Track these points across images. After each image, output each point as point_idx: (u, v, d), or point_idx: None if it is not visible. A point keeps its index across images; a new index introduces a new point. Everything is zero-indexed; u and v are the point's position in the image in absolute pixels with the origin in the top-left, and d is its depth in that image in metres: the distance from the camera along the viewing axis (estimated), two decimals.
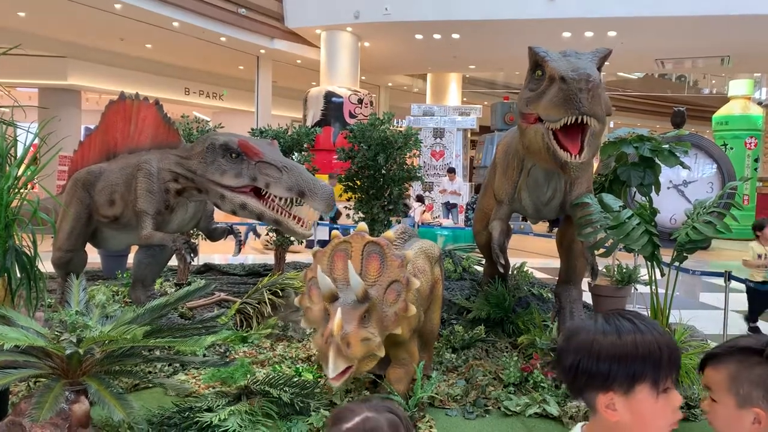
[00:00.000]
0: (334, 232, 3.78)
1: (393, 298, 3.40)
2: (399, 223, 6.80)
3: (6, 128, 3.51)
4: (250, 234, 11.59)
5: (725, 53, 17.07)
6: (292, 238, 7.24)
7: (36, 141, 3.91)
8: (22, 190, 3.44)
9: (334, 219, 11.55)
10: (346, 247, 3.59)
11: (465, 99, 24.78)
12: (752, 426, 1.43)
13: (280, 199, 4.15)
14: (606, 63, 4.17)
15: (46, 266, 3.68)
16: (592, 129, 3.77)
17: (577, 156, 3.79)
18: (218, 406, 3.46)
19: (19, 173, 3.41)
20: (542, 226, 15.51)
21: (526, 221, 13.03)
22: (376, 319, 3.31)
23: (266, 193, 4.18)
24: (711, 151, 14.47)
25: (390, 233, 3.74)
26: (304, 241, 8.05)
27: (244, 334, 5.03)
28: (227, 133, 4.68)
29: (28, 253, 3.40)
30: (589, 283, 5.21)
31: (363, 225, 3.76)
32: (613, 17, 14.47)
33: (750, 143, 18.12)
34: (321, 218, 7.89)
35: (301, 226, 4.20)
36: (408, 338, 3.67)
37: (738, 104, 18.79)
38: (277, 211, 4.18)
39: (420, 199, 13.75)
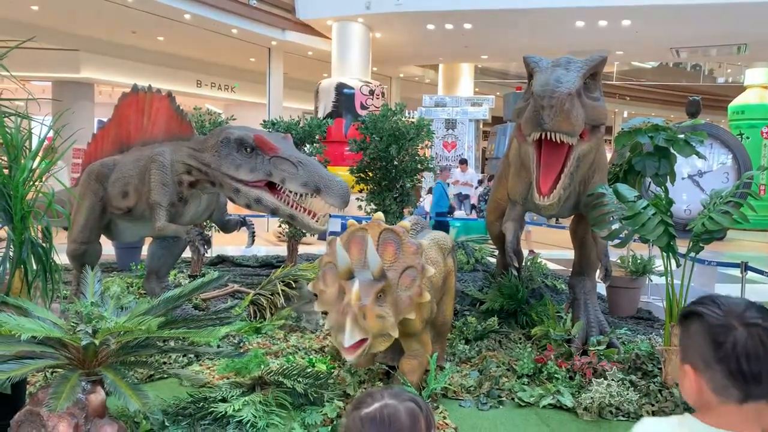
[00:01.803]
0: (350, 221, 3.80)
1: (408, 282, 3.45)
2: (411, 214, 6.79)
3: (21, 121, 3.53)
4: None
5: (741, 41, 16.81)
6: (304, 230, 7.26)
7: (50, 134, 3.93)
8: (37, 183, 3.47)
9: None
10: (362, 234, 3.63)
11: (477, 89, 24.63)
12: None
13: (294, 194, 4.15)
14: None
15: (61, 258, 3.71)
16: (577, 152, 3.91)
17: (545, 198, 3.93)
18: (232, 396, 3.48)
19: (34, 166, 3.44)
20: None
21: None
22: (390, 300, 3.35)
23: (281, 188, 4.19)
24: (727, 141, 14.29)
25: (406, 223, 3.78)
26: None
27: (258, 325, 5.05)
28: (241, 126, 4.68)
29: (44, 245, 3.43)
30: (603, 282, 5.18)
31: (380, 214, 3.83)
32: (627, 6, 14.28)
33: (766, 132, 17.88)
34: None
35: (315, 220, 4.21)
36: (421, 329, 3.68)
37: (754, 93, 18.55)
38: (292, 205, 4.19)
39: (431, 191, 13.69)
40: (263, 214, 4.97)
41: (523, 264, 6.24)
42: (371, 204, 7.08)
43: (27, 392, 3.37)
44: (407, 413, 1.28)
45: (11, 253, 3.36)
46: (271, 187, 4.26)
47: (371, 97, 16.14)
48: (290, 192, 4.15)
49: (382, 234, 3.61)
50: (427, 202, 12.74)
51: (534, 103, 3.66)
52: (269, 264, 7.96)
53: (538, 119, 3.63)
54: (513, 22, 15.89)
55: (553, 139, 3.72)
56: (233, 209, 5.59)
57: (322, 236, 9.26)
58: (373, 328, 3.19)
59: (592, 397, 3.73)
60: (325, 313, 3.61)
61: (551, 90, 3.62)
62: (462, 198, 15.63)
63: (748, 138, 17.60)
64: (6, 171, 3.38)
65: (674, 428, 1.39)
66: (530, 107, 3.74)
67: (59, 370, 3.06)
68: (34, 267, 3.41)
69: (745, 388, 1.27)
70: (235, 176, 4.29)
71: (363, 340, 3.19)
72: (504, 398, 3.96)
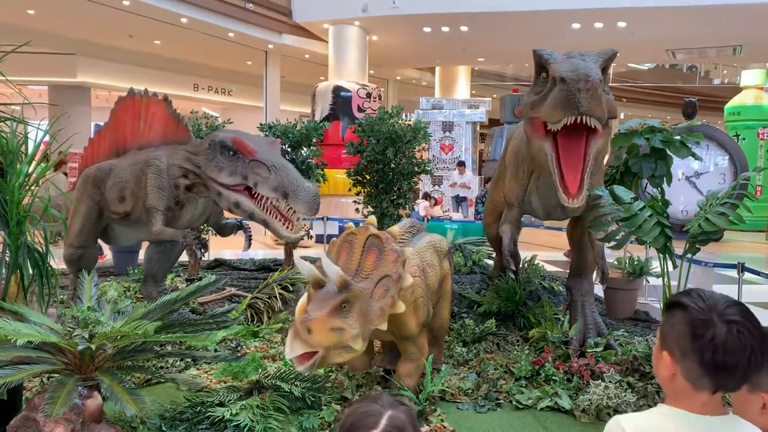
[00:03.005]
0: (348, 224, 3.77)
1: (381, 292, 3.31)
2: (408, 217, 6.79)
3: (16, 126, 3.52)
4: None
5: (737, 43, 16.85)
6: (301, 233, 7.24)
7: (46, 138, 3.93)
8: (33, 187, 3.46)
9: None
10: (351, 239, 3.55)
11: (474, 92, 24.65)
12: (761, 410, 1.56)
13: (267, 199, 4.11)
14: (612, 64, 4.15)
15: (57, 263, 3.70)
16: (595, 147, 3.81)
17: (574, 200, 3.83)
18: (230, 400, 3.47)
19: (30, 170, 3.43)
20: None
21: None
22: (358, 311, 3.19)
23: (255, 192, 4.16)
24: (723, 142, 14.31)
25: (395, 228, 3.68)
26: (313, 236, 8.07)
27: (255, 329, 5.05)
28: (231, 130, 4.67)
29: (40, 249, 3.42)
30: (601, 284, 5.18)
31: (372, 218, 3.73)
32: (622, 7, 14.31)
33: (763, 134, 17.92)
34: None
35: (288, 228, 4.14)
36: (417, 332, 3.66)
37: (750, 94, 18.58)
38: (267, 211, 4.13)
39: (426, 196, 13.71)
40: None
41: (521, 266, 6.25)
42: (368, 207, 7.08)
43: (23, 398, 3.36)
44: (409, 416, 1.28)
45: (7, 258, 3.36)
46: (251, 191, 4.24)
47: (368, 99, 16.14)
48: (263, 197, 4.11)
49: (368, 239, 3.49)
50: (421, 207, 12.73)
51: (567, 87, 3.55)
52: (266, 267, 7.95)
53: (574, 102, 3.52)
54: (509, 24, 15.91)
55: (589, 124, 3.62)
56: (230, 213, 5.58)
57: (319, 239, 9.26)
58: (321, 342, 3.04)
59: (589, 399, 3.73)
60: None
61: (585, 74, 3.55)
62: (460, 200, 15.64)
63: (744, 139, 17.62)
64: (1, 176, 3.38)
65: (648, 416, 1.45)
66: (559, 93, 3.61)
67: (56, 375, 3.05)
68: (31, 272, 3.40)
69: (717, 379, 1.35)
70: (216, 179, 4.28)
71: (314, 353, 3.07)
72: (502, 400, 3.96)
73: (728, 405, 1.62)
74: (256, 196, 4.17)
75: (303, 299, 3.15)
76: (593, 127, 3.70)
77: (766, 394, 1.53)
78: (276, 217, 4.14)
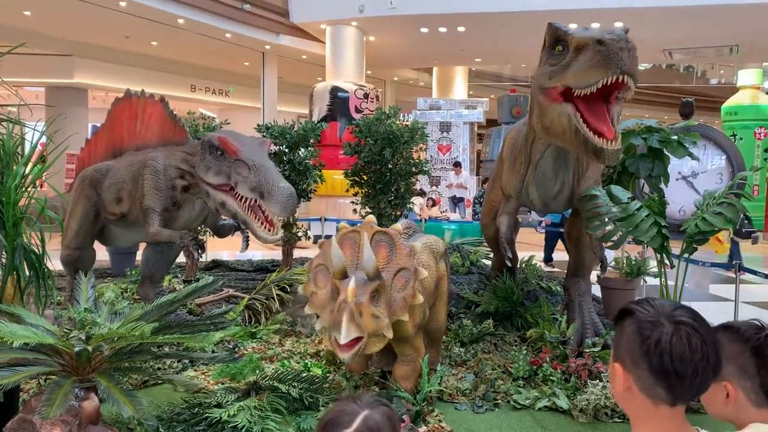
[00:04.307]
0: (342, 223, 3.76)
1: (401, 284, 3.42)
2: (405, 218, 6.79)
3: (13, 127, 3.51)
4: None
5: (733, 43, 16.89)
6: (299, 234, 7.24)
7: (43, 139, 3.92)
8: (29, 189, 3.45)
9: None
10: (354, 236, 3.59)
11: (471, 92, 24.65)
12: (725, 400, 1.54)
13: (248, 199, 4.07)
14: None
15: (54, 264, 3.69)
16: (615, 111, 3.65)
17: (613, 141, 3.60)
18: (227, 401, 3.47)
19: (27, 171, 3.42)
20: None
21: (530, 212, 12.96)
22: (385, 301, 3.32)
23: (236, 192, 4.14)
24: (720, 142, 14.29)
25: (398, 226, 3.74)
26: (311, 236, 8.06)
27: (253, 330, 5.04)
28: (224, 130, 4.66)
29: (37, 251, 3.41)
30: (599, 276, 5.18)
31: (372, 217, 3.77)
32: (619, 8, 14.35)
33: (759, 133, 17.96)
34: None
35: (267, 230, 4.09)
36: (413, 333, 3.65)
37: (747, 94, 18.61)
38: (249, 211, 4.10)
39: (422, 194, 13.72)
40: None
41: (518, 266, 6.25)
42: (366, 207, 7.08)
43: (20, 400, 3.35)
44: (387, 418, 1.27)
45: (3, 260, 3.35)
46: None
47: (366, 100, 16.14)
48: (243, 197, 4.09)
49: (374, 236, 3.57)
50: (417, 205, 12.74)
51: (607, 48, 3.43)
52: (264, 268, 7.94)
53: (617, 61, 3.40)
54: (506, 25, 15.92)
55: (628, 83, 3.48)
56: None
57: (317, 239, 9.25)
58: (368, 327, 3.17)
59: (587, 399, 3.74)
60: (318, 315, 3.60)
61: (625, 36, 3.49)
62: (456, 201, 15.64)
63: (741, 139, 17.66)
64: None
65: None
66: (596, 54, 3.48)
67: (53, 376, 3.05)
68: (27, 273, 3.39)
69: (670, 386, 1.29)
70: (204, 179, 4.29)
71: (358, 339, 3.16)
72: (499, 401, 3.95)
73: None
74: (236, 195, 4.15)
75: (352, 284, 3.19)
76: (627, 88, 3.55)
77: (728, 384, 1.52)
78: (257, 218, 4.10)
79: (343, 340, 3.12)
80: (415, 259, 3.72)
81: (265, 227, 4.09)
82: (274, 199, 3.94)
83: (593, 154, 3.67)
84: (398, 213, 7.06)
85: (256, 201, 4.04)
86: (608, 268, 5.95)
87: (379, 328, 3.22)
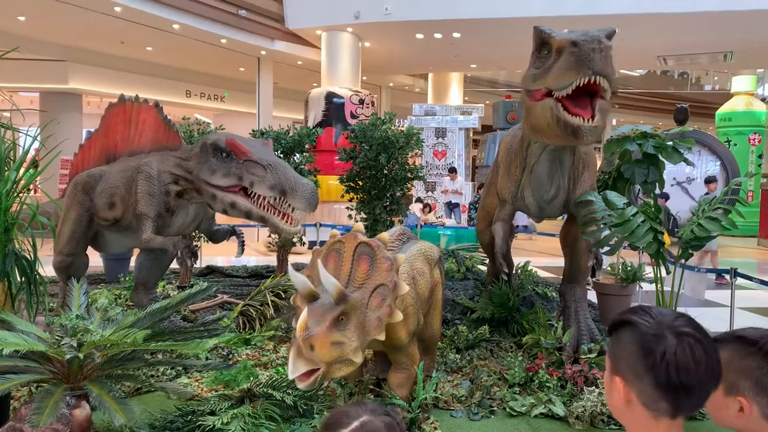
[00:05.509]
0: (333, 231, 3.71)
1: (377, 302, 3.21)
2: (401, 223, 6.77)
3: (5, 132, 3.49)
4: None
5: (728, 49, 16.98)
6: (294, 239, 7.22)
7: (36, 144, 3.89)
8: (21, 194, 3.42)
9: None
10: (339, 247, 3.45)
11: (467, 98, 24.71)
12: (738, 413, 1.47)
13: (264, 198, 4.08)
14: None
15: (47, 270, 3.66)
16: (600, 104, 3.68)
17: (590, 120, 3.63)
18: (221, 409, 3.44)
19: (19, 177, 3.40)
20: (546, 225, 15.45)
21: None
22: (355, 322, 3.10)
23: (251, 192, 4.14)
24: (715, 148, 14.43)
25: (385, 235, 3.57)
26: (306, 242, 8.04)
27: (247, 337, 5.01)
28: (222, 132, 4.64)
29: (28, 257, 3.38)
30: (593, 276, 5.16)
31: (359, 225, 3.62)
32: (614, 14, 14.40)
33: (754, 139, 18.06)
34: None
35: (287, 222, 4.11)
36: (407, 341, 3.59)
37: (741, 100, 18.73)
38: (264, 208, 4.11)
39: (419, 200, 13.73)
40: (253, 223, 4.92)
41: (514, 272, 6.23)
42: (361, 213, 7.06)
43: (11, 407, 3.32)
44: (388, 427, 1.26)
45: None
46: (247, 193, 4.20)
47: (361, 106, 16.15)
48: (260, 196, 4.10)
49: (358, 247, 3.38)
50: (416, 209, 12.76)
51: (580, 49, 3.54)
52: (259, 274, 7.91)
53: (588, 63, 3.49)
54: (502, 31, 15.97)
55: (600, 84, 3.55)
56: (223, 219, 5.55)
57: (311, 245, 9.23)
58: (324, 357, 2.96)
59: (583, 406, 3.72)
60: None
61: (598, 37, 3.57)
62: (452, 206, 15.64)
63: (735, 145, 17.76)
64: None
65: None
66: (570, 56, 3.58)
67: (44, 384, 3.01)
68: (19, 279, 3.36)
69: (675, 399, 1.25)
70: (210, 181, 4.26)
71: (315, 369, 2.98)
72: (495, 408, 3.93)
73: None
74: (252, 195, 4.15)
75: (303, 316, 3.03)
76: (602, 88, 3.60)
77: (743, 399, 1.46)
78: (273, 213, 4.12)
79: (290, 376, 2.99)
80: (408, 267, 3.67)
81: (286, 220, 4.10)
82: (299, 195, 3.97)
83: (572, 135, 3.69)
84: (394, 219, 7.05)
85: (275, 199, 4.04)
86: (604, 272, 5.95)
87: (342, 354, 3.00)
